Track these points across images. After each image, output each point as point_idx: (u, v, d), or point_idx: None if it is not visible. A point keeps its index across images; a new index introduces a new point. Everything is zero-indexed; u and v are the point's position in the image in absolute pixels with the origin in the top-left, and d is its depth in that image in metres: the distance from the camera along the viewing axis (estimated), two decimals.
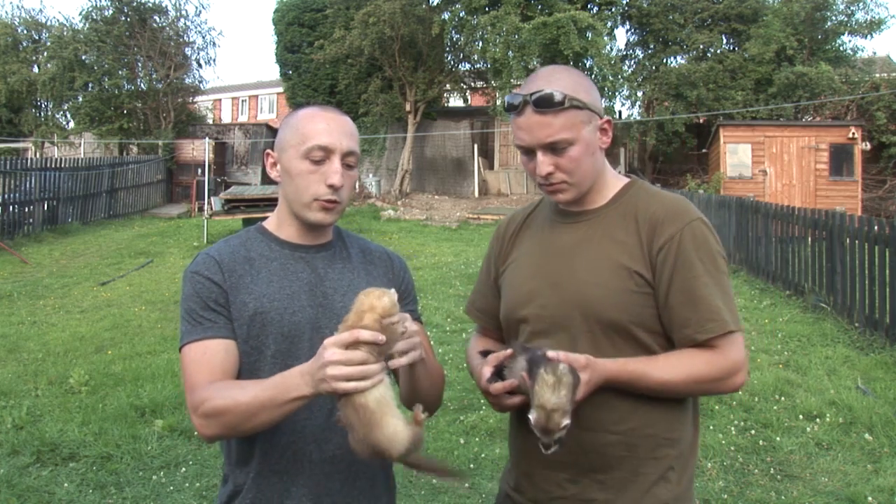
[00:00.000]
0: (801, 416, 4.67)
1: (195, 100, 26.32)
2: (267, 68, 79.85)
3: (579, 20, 16.66)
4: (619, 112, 21.01)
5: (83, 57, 22.50)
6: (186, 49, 24.23)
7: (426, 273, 10.12)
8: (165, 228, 16.08)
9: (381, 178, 22.13)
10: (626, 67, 21.37)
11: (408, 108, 20.92)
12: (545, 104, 1.41)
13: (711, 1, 20.77)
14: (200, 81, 25.08)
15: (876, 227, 6.70)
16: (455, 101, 26.01)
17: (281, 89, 26.84)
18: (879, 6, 20.78)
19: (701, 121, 21.04)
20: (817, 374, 5.53)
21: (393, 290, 1.27)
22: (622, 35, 43.85)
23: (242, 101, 35.41)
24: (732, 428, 4.50)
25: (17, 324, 7.73)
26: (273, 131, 23.30)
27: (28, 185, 15.01)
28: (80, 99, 23.23)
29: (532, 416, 1.28)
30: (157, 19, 23.49)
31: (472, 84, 23.33)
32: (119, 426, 4.58)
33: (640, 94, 21.11)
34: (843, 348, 6.18)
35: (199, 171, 19.60)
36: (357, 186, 18.82)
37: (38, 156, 23.58)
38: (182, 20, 23.94)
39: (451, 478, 1.58)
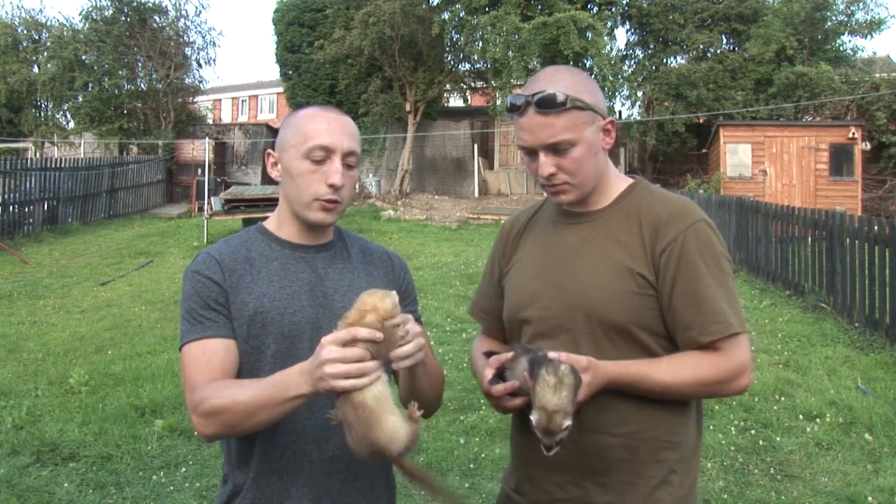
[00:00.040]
0: (801, 416, 4.67)
1: (195, 100, 26.33)
2: (267, 68, 79.94)
3: (579, 20, 16.66)
4: (619, 112, 20.99)
5: (83, 57, 22.50)
6: (186, 49, 24.26)
7: (426, 273, 10.12)
8: (165, 228, 16.08)
9: (381, 178, 22.14)
10: (626, 67, 21.37)
11: (408, 108, 20.92)
12: (547, 105, 1.41)
13: (711, 1, 20.78)
14: (200, 81, 25.12)
15: (876, 227, 6.70)
16: (455, 101, 26.01)
17: (281, 89, 26.86)
18: (879, 6, 20.83)
19: (701, 121, 21.05)
20: (817, 374, 5.53)
21: (395, 293, 1.28)
22: (622, 35, 43.96)
23: (242, 101, 35.42)
24: (732, 428, 4.50)
25: (17, 324, 7.73)
26: (273, 131, 23.30)
27: (28, 185, 15.01)
28: (80, 99, 23.24)
29: (533, 418, 1.27)
30: (157, 19, 23.50)
31: (472, 84, 23.34)
32: (119, 426, 4.58)
33: (640, 94, 21.12)
34: (843, 348, 6.18)
35: (199, 171, 19.60)
36: (357, 186, 18.82)
37: (38, 156, 23.59)
38: (182, 20, 23.99)
39: (447, 499, 1.53)
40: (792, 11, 19.20)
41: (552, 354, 1.31)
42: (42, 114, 26.76)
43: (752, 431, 4.45)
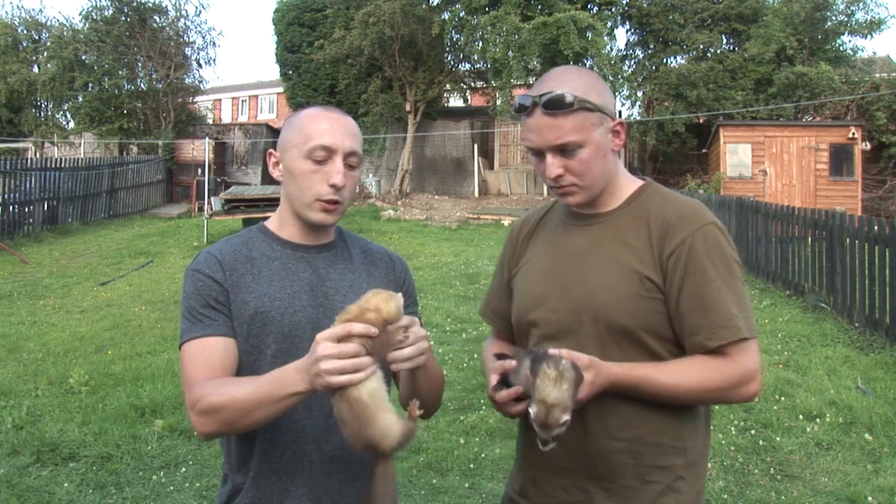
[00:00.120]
0: (801, 416, 4.67)
1: (195, 100, 26.32)
2: (267, 68, 79.91)
3: (579, 20, 16.66)
4: (620, 112, 20.96)
5: (83, 57, 22.50)
6: (186, 49, 24.24)
7: (426, 273, 10.12)
8: (165, 228, 16.08)
9: (381, 178, 22.14)
10: (626, 67, 21.36)
11: (408, 108, 20.92)
12: (555, 105, 1.39)
13: (711, 1, 20.77)
14: (200, 81, 25.11)
15: (876, 227, 6.70)
16: (455, 101, 26.00)
17: (281, 89, 26.85)
18: (879, 6, 20.81)
19: (701, 121, 21.04)
20: (817, 374, 5.53)
21: (400, 295, 1.27)
22: (622, 35, 43.95)
23: (242, 101, 35.42)
24: (732, 428, 4.50)
25: (17, 324, 7.73)
26: (273, 131, 23.31)
27: (28, 185, 15.01)
28: (80, 99, 23.23)
29: (532, 411, 1.27)
30: (157, 19, 23.49)
31: (472, 84, 23.33)
32: (119, 426, 4.58)
33: (640, 94, 21.10)
34: (843, 348, 6.18)
35: (199, 171, 19.60)
36: (357, 186, 18.79)
37: (38, 156, 23.58)
38: (182, 20, 23.97)
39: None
40: (792, 11, 19.19)
41: (554, 351, 1.31)
42: (42, 114, 26.76)
43: (752, 431, 4.45)
